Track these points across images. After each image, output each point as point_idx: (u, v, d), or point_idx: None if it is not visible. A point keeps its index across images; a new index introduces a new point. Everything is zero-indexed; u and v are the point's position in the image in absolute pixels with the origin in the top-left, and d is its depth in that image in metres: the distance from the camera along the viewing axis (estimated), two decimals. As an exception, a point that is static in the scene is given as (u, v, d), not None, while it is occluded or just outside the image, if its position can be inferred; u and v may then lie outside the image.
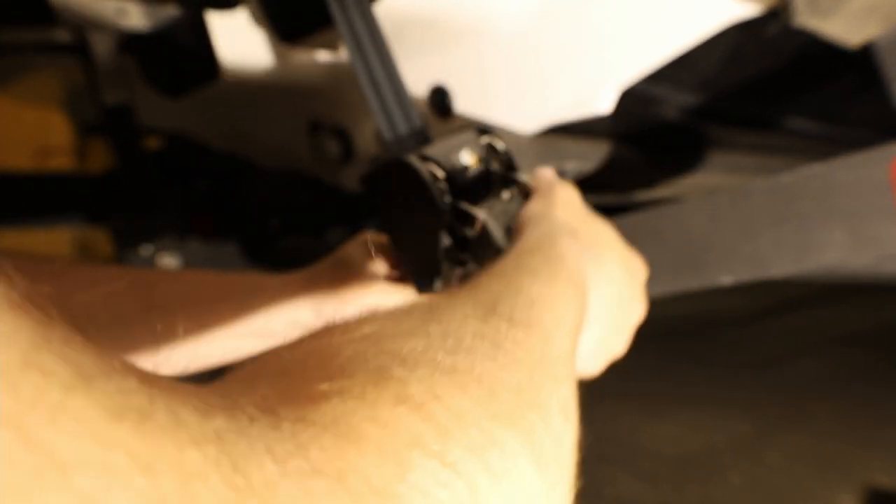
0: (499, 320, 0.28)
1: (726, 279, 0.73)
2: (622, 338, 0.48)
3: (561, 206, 0.47)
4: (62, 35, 1.29)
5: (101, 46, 1.23)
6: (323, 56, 1.04)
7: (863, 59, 0.77)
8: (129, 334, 0.48)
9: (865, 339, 2.35)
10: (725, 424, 1.84)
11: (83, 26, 1.19)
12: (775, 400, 1.96)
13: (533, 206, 0.48)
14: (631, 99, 0.84)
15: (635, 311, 0.49)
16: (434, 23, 0.91)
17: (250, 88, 1.09)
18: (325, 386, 0.20)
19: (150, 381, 0.16)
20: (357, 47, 0.60)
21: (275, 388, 0.20)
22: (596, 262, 0.44)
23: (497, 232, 0.46)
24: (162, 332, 0.46)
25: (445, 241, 0.47)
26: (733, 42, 0.84)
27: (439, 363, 0.24)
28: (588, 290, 0.40)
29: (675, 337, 2.42)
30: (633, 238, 0.52)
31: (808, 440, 1.70)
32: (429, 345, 0.24)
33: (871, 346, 2.28)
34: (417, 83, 0.94)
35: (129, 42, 1.16)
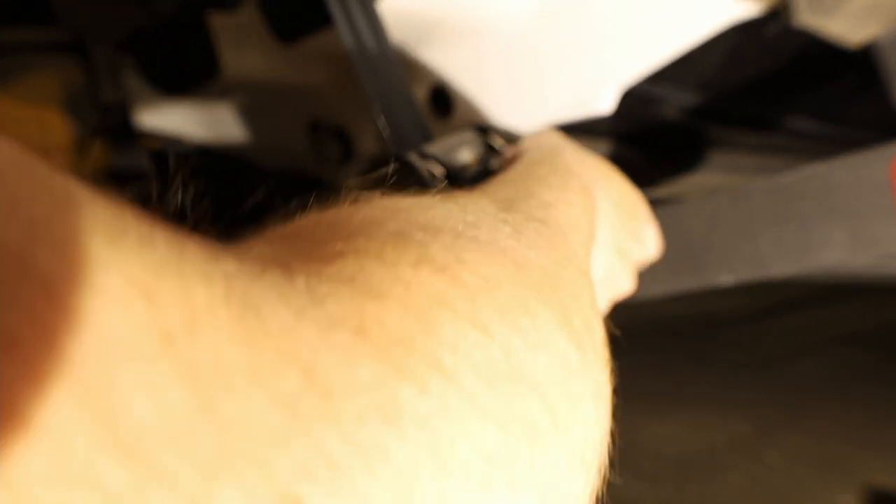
0: (517, 213, 0.26)
1: (726, 279, 0.73)
2: (626, 274, 0.45)
3: (558, 135, 0.46)
4: (62, 35, 1.29)
5: (101, 46, 1.23)
6: (323, 56, 1.04)
7: (863, 59, 0.77)
8: None
9: (865, 339, 2.35)
10: (725, 424, 1.84)
11: (83, 26, 1.19)
12: (775, 400, 1.96)
13: (528, 138, 0.46)
14: (632, 99, 0.84)
15: (639, 247, 0.47)
16: (434, 23, 0.91)
17: (250, 88, 1.09)
18: (339, 245, 0.18)
19: (150, 218, 0.14)
20: (358, 44, 0.59)
21: (285, 248, 0.18)
22: (602, 182, 0.42)
23: None
24: None
25: None
26: (734, 42, 0.84)
27: (462, 232, 0.21)
28: (596, 206, 0.38)
29: (675, 337, 2.41)
30: (634, 238, 0.52)
31: (808, 440, 1.70)
32: (449, 216, 0.22)
33: (871, 346, 2.28)
34: (417, 83, 0.95)
35: (129, 41, 1.16)
